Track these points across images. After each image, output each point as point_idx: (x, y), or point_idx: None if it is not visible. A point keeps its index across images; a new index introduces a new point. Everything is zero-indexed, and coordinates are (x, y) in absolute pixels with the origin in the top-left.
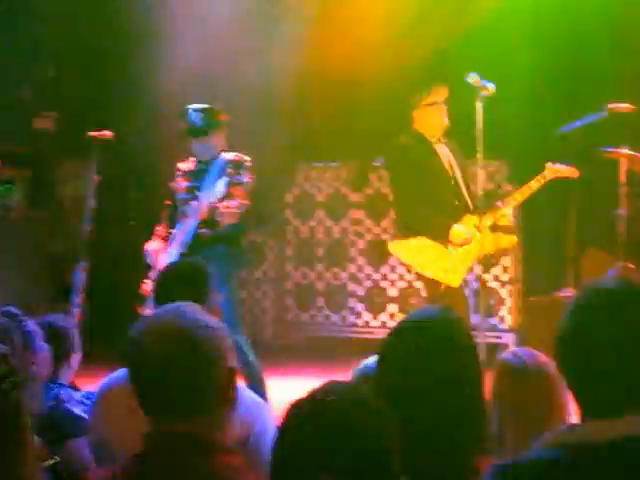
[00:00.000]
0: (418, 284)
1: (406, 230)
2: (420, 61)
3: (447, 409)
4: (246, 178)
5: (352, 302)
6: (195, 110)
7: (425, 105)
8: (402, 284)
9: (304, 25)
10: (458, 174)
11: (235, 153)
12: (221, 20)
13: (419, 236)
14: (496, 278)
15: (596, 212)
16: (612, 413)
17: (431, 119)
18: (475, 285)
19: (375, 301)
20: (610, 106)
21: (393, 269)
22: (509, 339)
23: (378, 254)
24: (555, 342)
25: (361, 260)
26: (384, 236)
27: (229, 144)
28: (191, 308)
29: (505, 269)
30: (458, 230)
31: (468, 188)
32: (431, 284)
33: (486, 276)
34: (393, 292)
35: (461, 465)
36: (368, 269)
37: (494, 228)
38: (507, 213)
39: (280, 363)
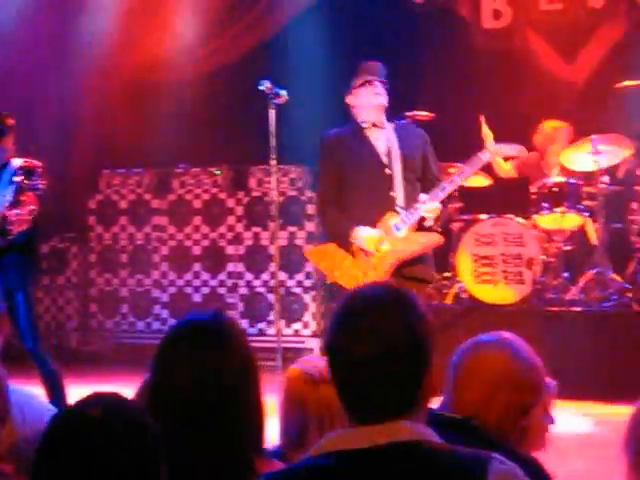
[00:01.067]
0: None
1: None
2: (226, 67)
3: (224, 414)
4: (38, 184)
5: (157, 309)
6: None
7: (355, 88)
8: (206, 290)
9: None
10: (397, 164)
11: (25, 159)
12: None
13: (331, 241)
14: (299, 284)
15: None
16: (374, 420)
17: (361, 100)
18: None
19: (179, 307)
20: (409, 114)
21: (197, 275)
22: (313, 344)
23: (182, 260)
24: (324, 351)
25: (164, 266)
26: (187, 242)
27: (26, 150)
28: None
29: (308, 275)
30: (368, 236)
31: (410, 181)
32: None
33: (290, 282)
34: (197, 298)
35: (241, 469)
36: (172, 275)
37: (419, 227)
38: (434, 207)
39: (85, 371)
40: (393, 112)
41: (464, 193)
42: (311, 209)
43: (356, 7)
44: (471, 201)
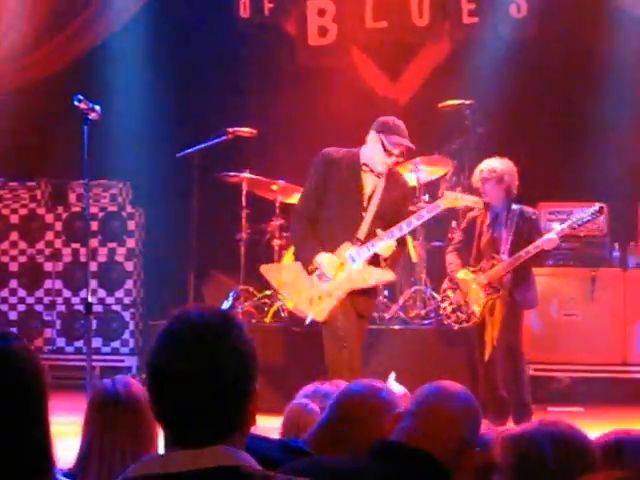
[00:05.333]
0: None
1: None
2: (46, 79)
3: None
4: None
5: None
6: None
7: (383, 143)
8: (22, 307)
9: None
10: (372, 208)
11: None
12: None
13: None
14: (119, 301)
15: (217, 235)
16: (193, 443)
17: (376, 155)
18: (99, 308)
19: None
20: (231, 130)
21: (13, 292)
22: (132, 362)
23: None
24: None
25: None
26: (4, 258)
27: None
28: None
29: (127, 292)
30: (330, 263)
31: (377, 225)
32: (295, 316)
33: (109, 299)
34: (13, 316)
35: None
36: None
37: (373, 262)
38: (389, 245)
39: None
40: (217, 127)
41: (286, 209)
42: (132, 225)
43: (181, 21)
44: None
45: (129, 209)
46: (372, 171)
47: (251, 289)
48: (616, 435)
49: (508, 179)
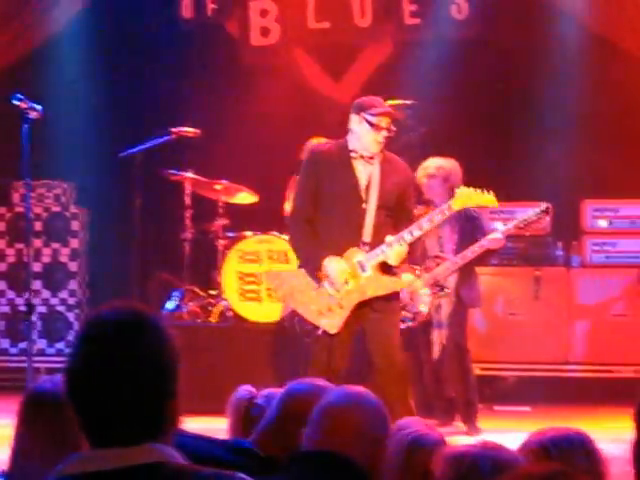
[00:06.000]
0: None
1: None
2: None
3: None
4: None
5: None
6: None
7: (366, 120)
8: (6, 309)
9: None
10: (373, 199)
11: None
12: None
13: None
14: (63, 302)
15: (161, 235)
16: (115, 443)
17: (362, 136)
18: (43, 309)
19: None
20: (174, 129)
21: None
22: None
23: None
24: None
25: None
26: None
27: None
28: None
29: (72, 293)
30: (340, 269)
31: (382, 217)
32: (307, 327)
33: (53, 300)
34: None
35: None
36: None
37: (384, 269)
38: (400, 252)
39: None
40: (160, 127)
41: (230, 209)
42: (76, 225)
43: (124, 21)
44: (237, 218)
45: (73, 209)
46: (362, 157)
47: (196, 289)
48: (540, 436)
49: (454, 179)
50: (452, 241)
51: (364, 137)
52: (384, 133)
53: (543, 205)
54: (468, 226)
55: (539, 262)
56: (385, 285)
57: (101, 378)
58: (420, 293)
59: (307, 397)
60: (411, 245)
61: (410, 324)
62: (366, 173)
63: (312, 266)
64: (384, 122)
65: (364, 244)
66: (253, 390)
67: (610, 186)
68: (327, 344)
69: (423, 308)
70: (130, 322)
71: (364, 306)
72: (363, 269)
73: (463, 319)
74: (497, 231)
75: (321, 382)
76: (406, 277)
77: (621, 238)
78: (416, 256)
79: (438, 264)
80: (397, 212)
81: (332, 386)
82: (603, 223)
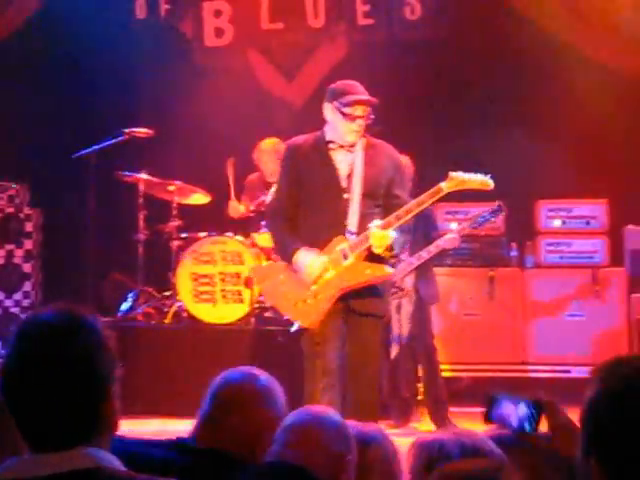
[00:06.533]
0: None
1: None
2: None
3: None
4: None
5: None
6: None
7: (340, 110)
8: None
9: None
10: (357, 188)
11: None
12: None
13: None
14: (17, 303)
15: (115, 236)
16: (51, 448)
17: (337, 126)
18: None
19: None
20: (127, 130)
21: None
22: None
23: None
24: None
25: None
26: None
27: None
28: None
29: (26, 294)
30: (310, 263)
31: (369, 206)
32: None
33: (7, 302)
34: None
35: None
36: None
37: (369, 257)
38: (381, 235)
39: None
40: (113, 128)
41: (183, 210)
42: (30, 226)
43: (77, 20)
44: (190, 219)
45: (27, 210)
46: (342, 146)
47: (150, 290)
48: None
49: (406, 178)
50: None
51: (339, 127)
52: (360, 122)
53: (496, 203)
54: (420, 223)
55: (493, 262)
56: (362, 273)
57: (34, 379)
58: None
59: (239, 386)
60: None
61: None
62: (347, 162)
63: (289, 259)
64: (359, 110)
65: (351, 234)
66: None
67: (563, 186)
68: (312, 339)
69: None
70: (65, 323)
71: (346, 305)
72: (345, 257)
73: (426, 317)
74: (452, 231)
75: (256, 370)
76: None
77: (575, 238)
78: None
79: (394, 264)
80: (385, 199)
81: (265, 373)
82: (557, 223)
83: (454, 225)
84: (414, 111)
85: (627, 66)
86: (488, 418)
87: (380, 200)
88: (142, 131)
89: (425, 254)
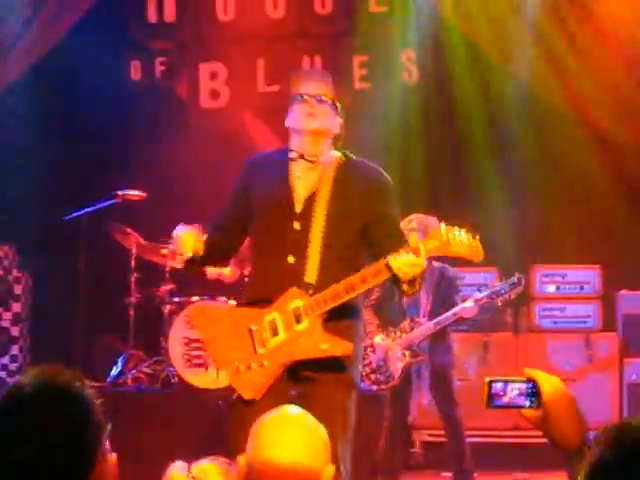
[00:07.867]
0: None
1: None
2: None
3: None
4: None
5: None
6: None
7: (292, 95)
8: None
9: None
10: (318, 219)
11: None
12: None
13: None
14: (4, 367)
15: (106, 300)
16: None
17: (290, 121)
18: None
19: None
20: (120, 193)
21: None
22: None
23: None
24: None
25: None
26: None
27: None
28: None
29: (13, 358)
30: (184, 236)
31: (336, 247)
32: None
33: None
34: None
35: None
36: None
37: (333, 323)
38: (418, 263)
39: None
40: (106, 190)
41: (176, 274)
42: (18, 289)
43: (71, 81)
44: (183, 283)
45: (15, 273)
46: (303, 157)
47: (141, 354)
48: None
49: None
50: (428, 301)
51: (293, 115)
52: (313, 102)
53: (516, 276)
54: (444, 284)
55: (488, 328)
56: (316, 348)
57: (19, 452)
58: (393, 357)
59: None
60: (385, 303)
61: (383, 387)
62: (308, 180)
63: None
64: (310, 88)
65: (307, 285)
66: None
67: (557, 251)
68: (243, 415)
69: (399, 365)
70: (51, 393)
71: (299, 372)
72: (298, 320)
73: (446, 385)
74: (470, 299)
75: None
76: (378, 339)
77: (569, 303)
78: (393, 314)
79: (412, 328)
80: (377, 227)
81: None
82: (551, 288)
83: (474, 291)
84: (408, 170)
85: (621, 131)
86: (489, 404)
87: (353, 242)
88: (135, 194)
89: (443, 320)
